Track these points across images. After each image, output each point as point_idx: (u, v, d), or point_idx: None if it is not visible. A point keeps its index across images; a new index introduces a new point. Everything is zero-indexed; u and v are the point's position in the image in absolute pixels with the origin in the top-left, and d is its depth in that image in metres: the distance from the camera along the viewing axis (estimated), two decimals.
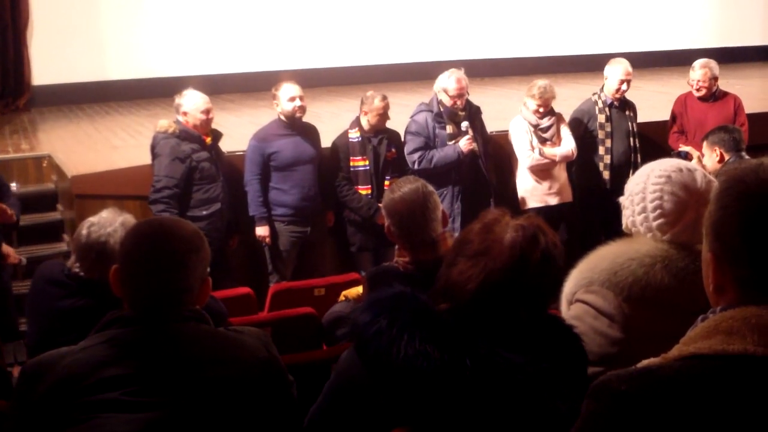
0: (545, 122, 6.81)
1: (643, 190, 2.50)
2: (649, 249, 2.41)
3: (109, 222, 3.42)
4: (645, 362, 1.47)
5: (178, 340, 2.14)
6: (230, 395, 2.12)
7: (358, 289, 4.14)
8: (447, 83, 6.55)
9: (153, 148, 6.06)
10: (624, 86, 6.98)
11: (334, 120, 8.06)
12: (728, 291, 1.47)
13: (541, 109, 6.76)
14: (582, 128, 7.06)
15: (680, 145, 6.92)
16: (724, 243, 1.45)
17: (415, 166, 6.45)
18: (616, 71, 7.01)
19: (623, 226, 2.60)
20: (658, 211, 2.45)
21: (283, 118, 6.45)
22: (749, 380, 1.35)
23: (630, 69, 7.02)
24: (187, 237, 2.20)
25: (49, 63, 10.92)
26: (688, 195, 2.44)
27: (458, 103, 6.54)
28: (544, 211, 6.70)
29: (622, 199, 2.60)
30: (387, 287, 1.99)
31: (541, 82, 6.82)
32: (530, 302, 1.94)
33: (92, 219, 3.47)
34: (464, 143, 6.46)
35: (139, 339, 2.12)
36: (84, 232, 3.41)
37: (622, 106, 7.13)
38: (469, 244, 1.96)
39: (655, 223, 2.46)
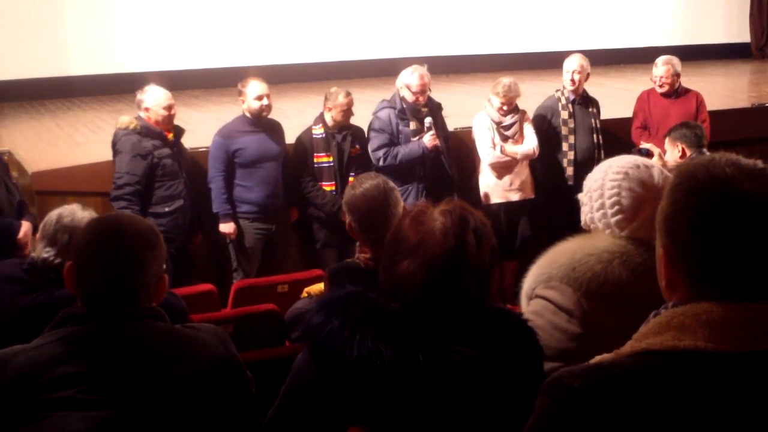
0: (508, 120, 6.83)
1: (601, 186, 2.51)
2: (608, 245, 2.42)
3: (77, 210, 3.44)
4: (597, 358, 1.48)
5: (133, 338, 2.12)
6: (186, 393, 2.10)
7: (321, 286, 4.14)
8: (409, 79, 6.55)
9: (114, 144, 6.01)
10: (576, 77, 7.02)
11: (299, 116, 8.03)
12: (680, 287, 1.47)
13: (505, 107, 6.78)
14: (545, 124, 7.10)
15: (642, 141, 6.96)
16: (675, 239, 1.45)
17: (380, 163, 6.44)
18: (568, 64, 7.11)
19: (582, 223, 2.60)
20: (616, 208, 2.47)
21: (248, 114, 6.42)
22: (700, 376, 1.36)
23: (583, 62, 7.08)
24: (142, 234, 2.18)
25: (10, 58, 10.78)
26: (645, 191, 2.46)
27: (420, 99, 6.55)
28: (506, 207, 6.77)
29: (580, 196, 2.62)
30: (339, 288, 2.00)
31: (506, 80, 6.83)
32: (475, 281, 1.94)
33: (58, 210, 3.47)
34: (428, 139, 6.47)
35: (94, 337, 2.09)
36: (54, 217, 3.41)
37: (585, 102, 7.18)
38: (404, 241, 1.95)
39: (613, 219, 2.48)
